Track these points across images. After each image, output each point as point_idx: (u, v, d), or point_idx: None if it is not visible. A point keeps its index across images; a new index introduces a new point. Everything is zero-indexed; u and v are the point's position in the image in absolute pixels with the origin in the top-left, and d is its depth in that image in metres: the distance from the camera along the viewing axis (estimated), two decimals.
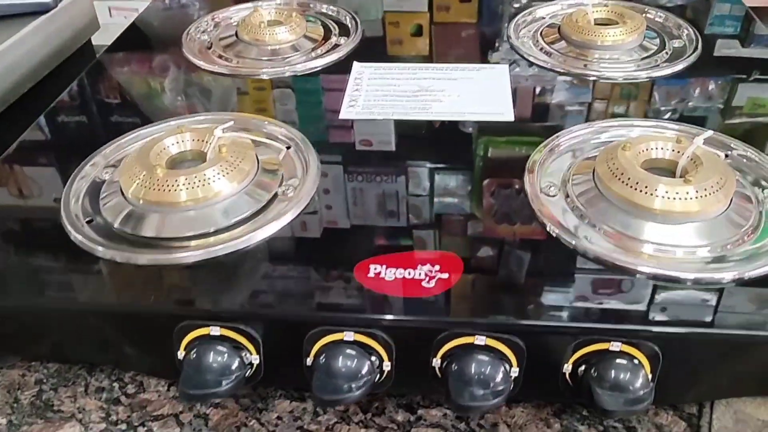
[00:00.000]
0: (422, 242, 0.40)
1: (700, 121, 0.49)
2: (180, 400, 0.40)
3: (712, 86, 0.54)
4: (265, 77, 0.57)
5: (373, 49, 0.63)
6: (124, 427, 0.39)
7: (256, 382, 0.37)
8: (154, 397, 0.41)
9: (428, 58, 0.61)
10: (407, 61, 0.60)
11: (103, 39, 0.71)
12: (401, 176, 0.45)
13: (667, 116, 0.50)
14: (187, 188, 0.41)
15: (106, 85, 0.59)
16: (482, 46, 0.64)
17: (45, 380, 0.42)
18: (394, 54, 0.62)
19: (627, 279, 0.37)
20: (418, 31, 0.66)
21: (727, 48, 0.61)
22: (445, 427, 0.39)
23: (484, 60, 0.60)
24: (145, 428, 0.39)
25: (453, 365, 0.35)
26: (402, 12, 0.69)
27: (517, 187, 0.43)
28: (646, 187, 0.39)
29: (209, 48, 0.62)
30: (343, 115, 0.51)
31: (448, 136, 0.50)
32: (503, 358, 0.35)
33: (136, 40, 0.66)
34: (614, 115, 0.50)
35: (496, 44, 0.62)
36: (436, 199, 0.43)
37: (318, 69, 0.59)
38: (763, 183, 0.43)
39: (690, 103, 0.52)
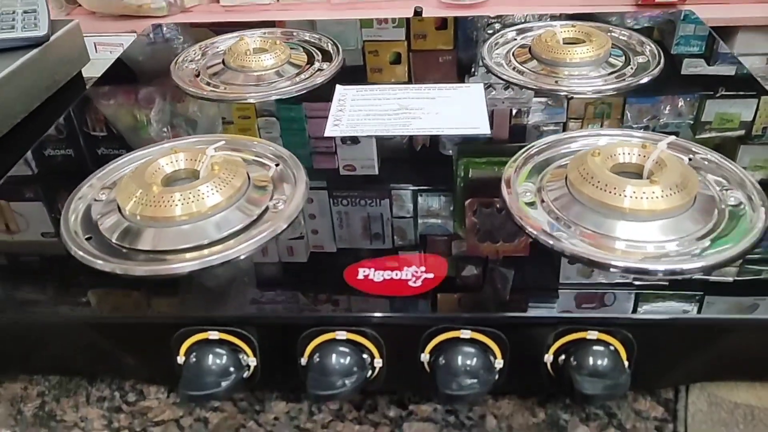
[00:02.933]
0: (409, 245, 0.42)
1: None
2: (180, 405, 0.41)
3: (680, 103, 0.57)
4: (252, 101, 0.60)
5: (355, 74, 0.65)
6: None
7: (254, 384, 0.39)
8: (155, 404, 0.42)
9: (407, 82, 0.64)
10: (388, 84, 0.63)
11: (89, 73, 0.73)
12: (384, 194, 0.48)
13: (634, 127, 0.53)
14: (182, 204, 0.43)
15: (97, 115, 0.61)
16: (458, 69, 0.68)
17: (47, 392, 0.43)
18: (375, 81, 0.64)
19: (601, 273, 0.39)
20: (397, 59, 0.69)
21: (693, 66, 0.64)
22: (436, 420, 0.41)
23: (460, 81, 0.63)
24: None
25: (440, 359, 0.37)
26: (381, 41, 0.72)
27: (497, 202, 0.46)
28: (615, 188, 0.42)
29: (197, 76, 0.65)
30: (328, 133, 0.54)
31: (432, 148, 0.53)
32: (488, 350, 0.37)
33: (125, 71, 0.69)
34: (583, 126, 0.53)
35: (471, 67, 0.65)
36: (420, 220, 0.46)
37: (303, 92, 0.61)
38: (724, 183, 0.46)
39: (659, 119, 0.55)
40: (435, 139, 0.53)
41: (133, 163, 0.50)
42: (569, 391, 0.37)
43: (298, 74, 0.64)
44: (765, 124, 0.54)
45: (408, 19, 0.75)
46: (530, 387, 0.40)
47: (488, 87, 0.60)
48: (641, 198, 0.41)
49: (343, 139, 0.51)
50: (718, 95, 0.58)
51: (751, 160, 0.48)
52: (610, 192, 0.42)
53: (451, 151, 0.53)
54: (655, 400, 0.41)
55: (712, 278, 0.38)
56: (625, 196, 0.41)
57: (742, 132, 0.53)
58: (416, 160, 0.53)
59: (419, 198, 0.48)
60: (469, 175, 0.50)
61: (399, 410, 0.41)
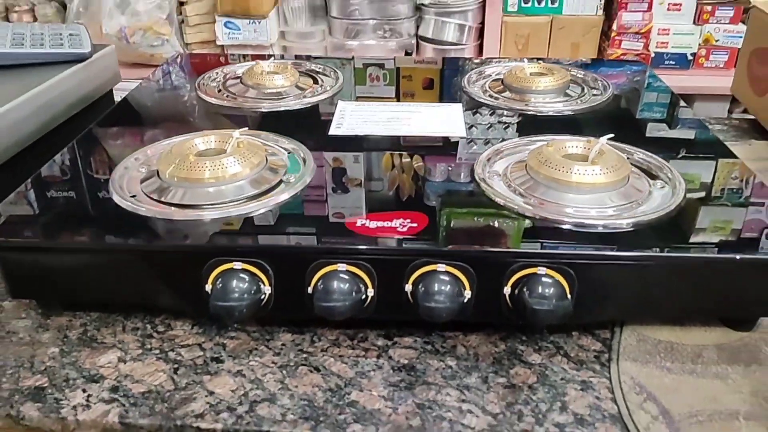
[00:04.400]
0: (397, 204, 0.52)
1: None
2: (211, 314, 0.48)
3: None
4: (264, 110, 0.71)
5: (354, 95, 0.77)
6: (157, 352, 0.49)
7: (268, 310, 0.48)
8: (181, 333, 0.51)
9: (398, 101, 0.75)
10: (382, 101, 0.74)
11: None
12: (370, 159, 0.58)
13: None
14: (209, 170, 0.53)
15: (136, 111, 0.71)
16: (441, 95, 0.79)
17: (89, 324, 0.52)
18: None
19: (552, 228, 0.49)
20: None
21: (657, 131, 0.73)
22: (415, 347, 0.49)
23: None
24: (174, 352, 0.49)
25: (420, 286, 0.46)
26: (372, 97, 0.81)
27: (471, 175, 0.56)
28: (564, 168, 0.52)
29: (219, 91, 0.75)
30: (331, 133, 0.64)
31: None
32: (458, 280, 0.46)
33: (156, 87, 0.79)
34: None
35: (454, 94, 0.77)
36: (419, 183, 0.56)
37: (309, 105, 0.72)
38: (654, 174, 0.56)
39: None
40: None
41: (166, 146, 0.60)
42: (523, 316, 0.46)
43: (304, 95, 0.75)
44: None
45: (398, 77, 0.84)
46: (492, 317, 0.48)
47: (468, 109, 0.71)
48: (585, 174, 0.52)
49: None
50: (679, 156, 0.62)
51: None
52: (561, 170, 0.52)
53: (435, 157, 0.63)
54: (595, 338, 0.50)
55: (638, 231, 0.48)
56: (573, 173, 0.52)
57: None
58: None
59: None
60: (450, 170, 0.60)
61: (385, 340, 0.50)
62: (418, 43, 1.64)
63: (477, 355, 0.49)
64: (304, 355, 0.49)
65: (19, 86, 0.67)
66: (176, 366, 0.48)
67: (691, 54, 1.55)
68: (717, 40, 1.52)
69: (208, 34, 1.55)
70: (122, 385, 0.46)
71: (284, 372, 0.47)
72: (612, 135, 0.57)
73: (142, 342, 0.50)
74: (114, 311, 0.53)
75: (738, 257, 0.46)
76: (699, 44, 1.54)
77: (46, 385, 0.46)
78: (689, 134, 0.66)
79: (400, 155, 0.61)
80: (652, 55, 1.55)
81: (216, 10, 1.52)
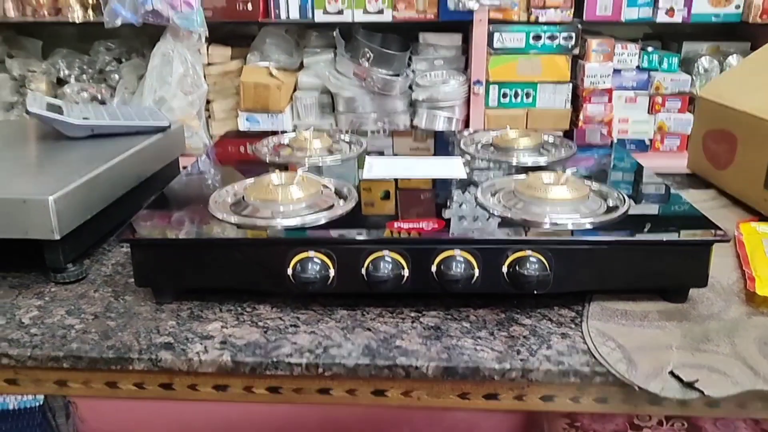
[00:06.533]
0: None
1: None
2: (289, 294, 0.66)
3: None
4: (306, 165, 0.91)
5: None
6: (249, 323, 0.66)
7: (333, 288, 0.65)
8: (264, 312, 0.68)
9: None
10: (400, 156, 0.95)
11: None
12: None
13: None
14: (282, 194, 0.72)
15: (214, 166, 0.91)
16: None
17: (193, 308, 0.69)
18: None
19: (535, 227, 0.68)
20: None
21: (613, 170, 0.95)
22: (439, 317, 0.67)
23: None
24: (262, 322, 0.66)
25: (442, 267, 0.64)
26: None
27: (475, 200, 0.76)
28: (543, 189, 0.72)
29: (271, 154, 0.96)
30: (364, 177, 0.85)
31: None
32: (469, 262, 0.65)
33: (217, 153, 1.00)
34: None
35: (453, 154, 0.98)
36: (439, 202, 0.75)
37: (343, 159, 0.93)
38: (606, 197, 0.76)
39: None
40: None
41: (249, 182, 0.79)
42: (517, 286, 0.64)
43: (340, 153, 0.96)
44: None
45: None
46: (495, 288, 0.66)
47: (466, 162, 0.92)
48: (557, 192, 0.71)
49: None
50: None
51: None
52: (540, 191, 0.72)
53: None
54: (570, 310, 0.68)
55: (596, 229, 0.67)
56: (548, 191, 0.72)
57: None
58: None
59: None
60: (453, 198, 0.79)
61: (416, 313, 0.68)
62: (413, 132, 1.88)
63: (485, 320, 0.66)
64: (359, 322, 0.66)
65: (116, 149, 0.87)
66: (265, 329, 0.65)
67: (648, 139, 1.80)
68: (669, 127, 1.78)
69: (232, 127, 1.78)
70: (228, 340, 0.63)
71: (345, 331, 0.64)
72: (575, 169, 0.77)
73: (237, 317, 0.67)
74: (210, 300, 0.70)
75: (664, 239, 0.65)
76: (654, 131, 1.79)
77: (172, 341, 0.63)
78: (637, 176, 0.88)
79: (419, 188, 0.81)
80: (615, 140, 1.79)
81: (239, 106, 1.76)
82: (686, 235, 0.67)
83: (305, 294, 0.68)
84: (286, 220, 0.69)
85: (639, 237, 0.67)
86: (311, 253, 0.65)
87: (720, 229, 0.67)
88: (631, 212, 0.71)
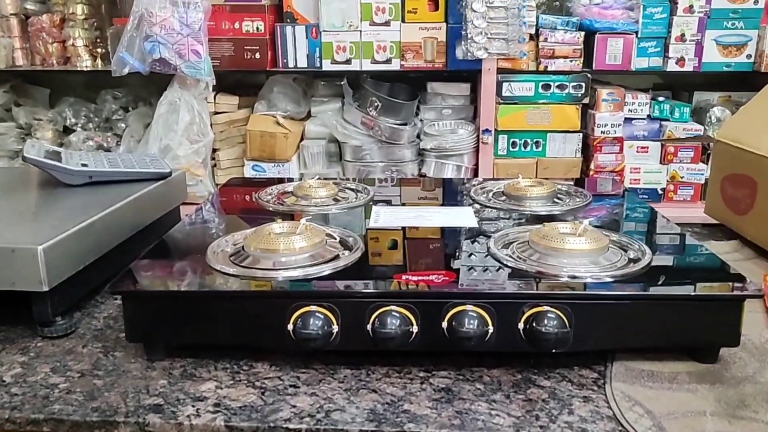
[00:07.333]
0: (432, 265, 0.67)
1: None
2: (289, 352, 0.61)
3: None
4: (311, 214, 0.87)
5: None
6: (246, 382, 0.61)
7: (335, 344, 0.61)
8: (262, 370, 0.63)
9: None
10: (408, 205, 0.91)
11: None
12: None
13: None
14: (283, 244, 0.68)
15: (215, 215, 0.88)
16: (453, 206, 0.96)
17: (186, 365, 0.64)
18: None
19: (552, 280, 0.64)
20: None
21: (628, 221, 0.90)
22: (450, 377, 0.62)
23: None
24: (260, 382, 0.61)
25: (453, 322, 0.60)
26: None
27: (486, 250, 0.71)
28: (559, 239, 0.68)
29: (275, 202, 0.92)
30: (371, 226, 0.81)
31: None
32: (481, 317, 0.60)
33: (221, 201, 0.97)
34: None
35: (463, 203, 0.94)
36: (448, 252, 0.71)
37: (349, 207, 0.89)
38: (625, 248, 0.72)
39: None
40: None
41: (250, 231, 0.76)
42: (535, 344, 0.59)
43: (346, 201, 0.92)
44: None
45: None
46: (510, 347, 0.62)
47: (476, 211, 0.88)
48: (575, 244, 0.67)
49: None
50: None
51: None
52: (557, 241, 0.68)
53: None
54: (592, 370, 0.63)
55: (616, 284, 0.63)
56: (566, 242, 0.67)
57: None
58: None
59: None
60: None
61: (426, 373, 0.63)
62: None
63: (500, 382, 0.61)
64: (363, 382, 0.61)
65: (114, 196, 0.84)
66: (262, 390, 0.60)
67: (661, 189, 1.76)
68: (682, 177, 1.74)
69: (237, 175, 1.75)
70: (223, 402, 0.58)
71: (349, 393, 0.60)
72: (592, 218, 0.73)
73: (233, 376, 0.62)
74: (205, 357, 0.65)
75: (693, 293, 0.61)
76: (667, 180, 1.76)
77: (161, 403, 0.58)
78: (655, 226, 0.83)
79: (428, 237, 0.77)
80: (627, 190, 1.76)
81: (246, 155, 1.74)
82: (716, 289, 0.62)
83: (306, 351, 0.63)
84: (287, 271, 0.65)
85: (665, 291, 0.62)
86: (313, 307, 0.61)
87: (752, 282, 0.62)
88: (654, 264, 0.67)
